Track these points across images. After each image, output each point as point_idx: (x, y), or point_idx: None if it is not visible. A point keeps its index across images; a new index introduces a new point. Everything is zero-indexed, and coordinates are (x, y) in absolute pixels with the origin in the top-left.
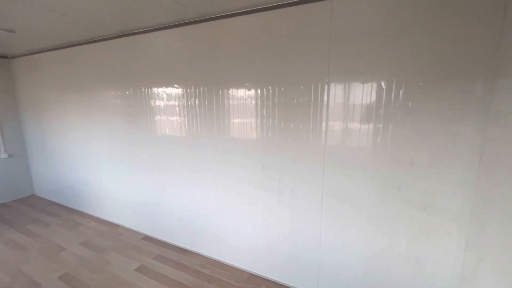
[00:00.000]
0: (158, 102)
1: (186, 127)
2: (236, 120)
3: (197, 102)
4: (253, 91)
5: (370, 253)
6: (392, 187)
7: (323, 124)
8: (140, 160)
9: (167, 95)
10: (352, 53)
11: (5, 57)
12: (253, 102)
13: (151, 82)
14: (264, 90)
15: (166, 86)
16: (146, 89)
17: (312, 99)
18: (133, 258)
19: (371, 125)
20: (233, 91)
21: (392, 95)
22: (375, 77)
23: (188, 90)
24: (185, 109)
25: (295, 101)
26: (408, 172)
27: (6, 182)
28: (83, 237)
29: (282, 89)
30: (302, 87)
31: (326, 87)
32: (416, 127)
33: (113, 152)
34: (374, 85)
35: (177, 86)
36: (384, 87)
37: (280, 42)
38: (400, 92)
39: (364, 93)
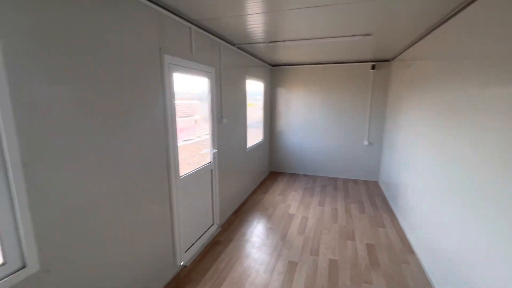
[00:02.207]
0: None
1: None
2: None
3: None
4: None
5: None
6: None
7: None
8: (466, 188)
9: None
10: None
11: (386, 60)
12: None
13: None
14: None
15: None
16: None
17: None
18: None
19: None
20: None
21: None
22: None
23: None
24: None
25: None
26: None
27: (361, 164)
28: (375, 240)
29: None
30: None
31: None
32: None
33: (437, 166)
34: None
35: None
36: None
37: None
38: None
39: None
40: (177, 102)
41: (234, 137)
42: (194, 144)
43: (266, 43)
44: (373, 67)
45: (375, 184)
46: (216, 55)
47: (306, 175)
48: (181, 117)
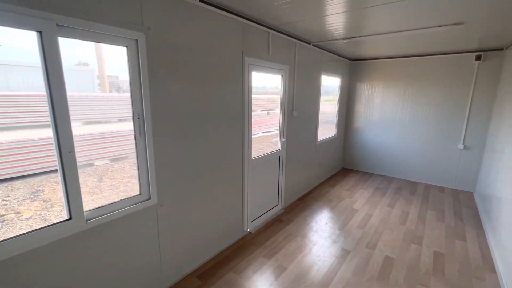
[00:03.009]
0: None
1: None
2: None
3: None
4: None
5: None
6: None
7: None
8: None
9: None
10: None
11: (499, 49)
12: None
13: None
14: None
15: None
16: None
17: None
18: None
19: None
20: None
21: None
22: None
23: None
24: None
25: None
26: None
27: (452, 170)
28: (447, 250)
29: None
30: None
31: None
32: None
33: None
34: None
35: None
36: None
37: None
38: None
39: None
40: (254, 96)
41: (304, 129)
42: (272, 135)
43: (346, 39)
44: (478, 58)
45: (469, 195)
46: (291, 54)
47: (380, 175)
48: (263, 110)
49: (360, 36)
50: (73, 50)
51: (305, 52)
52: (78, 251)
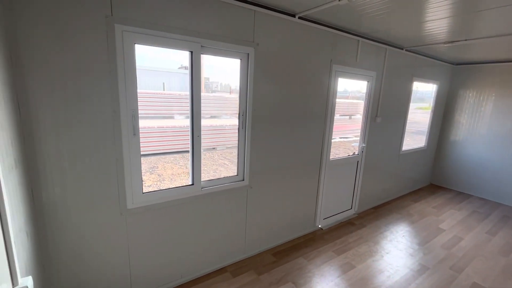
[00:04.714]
0: None
1: None
2: None
3: None
4: None
5: None
6: None
7: None
8: None
9: None
10: None
11: None
12: None
13: None
14: None
15: None
16: None
17: None
18: None
19: None
20: None
21: None
22: None
23: None
24: None
25: None
26: None
27: None
28: None
29: None
30: None
31: None
32: None
33: None
34: None
35: None
36: None
37: None
38: None
39: None
40: (338, 100)
41: (387, 137)
42: (349, 141)
43: (448, 43)
44: None
45: None
46: (380, 60)
47: (481, 198)
48: (341, 115)
49: (466, 40)
50: (176, 56)
51: (396, 57)
52: (194, 208)
